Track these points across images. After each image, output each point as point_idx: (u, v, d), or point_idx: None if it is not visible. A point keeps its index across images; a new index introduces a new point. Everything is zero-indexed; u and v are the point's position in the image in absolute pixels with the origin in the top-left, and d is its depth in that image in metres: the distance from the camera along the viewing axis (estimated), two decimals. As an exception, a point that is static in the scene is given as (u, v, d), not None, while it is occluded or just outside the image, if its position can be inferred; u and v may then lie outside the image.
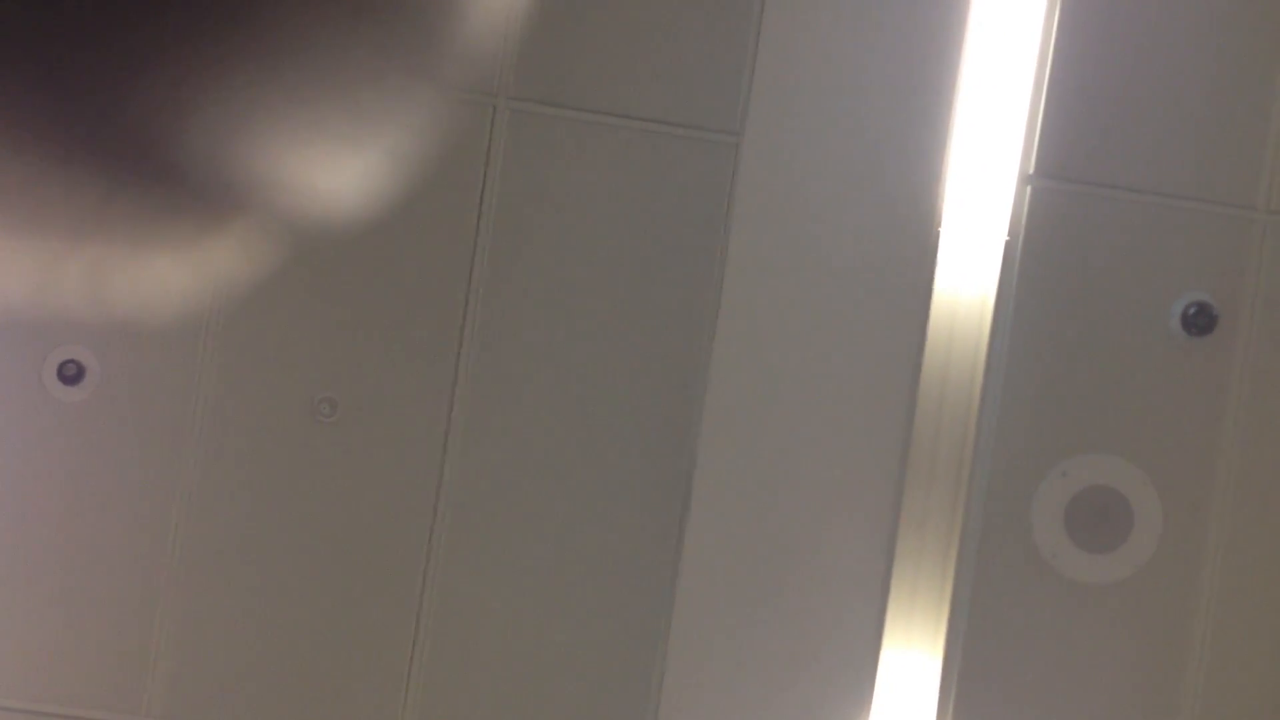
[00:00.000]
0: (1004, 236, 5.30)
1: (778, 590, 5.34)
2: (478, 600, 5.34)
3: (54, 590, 5.28)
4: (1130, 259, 5.30)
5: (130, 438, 5.25)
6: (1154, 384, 5.31)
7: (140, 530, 5.26)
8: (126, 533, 5.27)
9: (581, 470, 5.34)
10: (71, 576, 5.28)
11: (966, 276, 5.35)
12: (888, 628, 5.35)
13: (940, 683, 5.33)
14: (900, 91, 5.29)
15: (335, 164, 0.64)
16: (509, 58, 5.32)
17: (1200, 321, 5.28)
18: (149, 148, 0.59)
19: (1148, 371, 5.31)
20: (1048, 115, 5.28)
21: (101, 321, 5.18)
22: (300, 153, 0.62)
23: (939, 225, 5.29)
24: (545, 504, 5.34)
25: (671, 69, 5.36)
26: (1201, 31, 5.30)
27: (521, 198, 5.34)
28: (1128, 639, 5.32)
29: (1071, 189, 5.29)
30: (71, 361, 5.13)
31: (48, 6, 0.56)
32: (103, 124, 0.58)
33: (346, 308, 5.29)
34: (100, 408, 5.23)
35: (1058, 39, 5.29)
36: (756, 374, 5.33)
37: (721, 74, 5.36)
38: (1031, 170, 5.29)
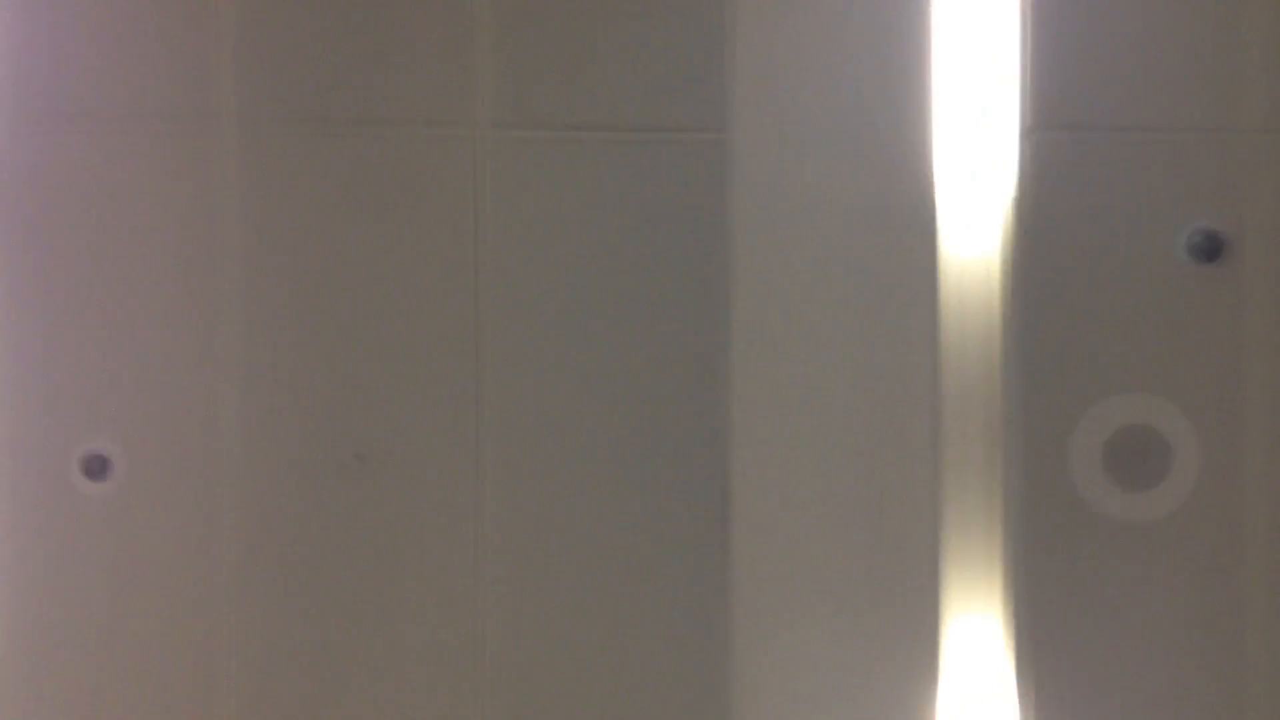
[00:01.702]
0: (1003, 191, 5.29)
1: (831, 576, 5.31)
2: (536, 630, 5.29)
3: (100, 688, 5.19)
4: (1131, 197, 5.30)
5: (163, 526, 5.17)
6: (1170, 316, 5.31)
7: (185, 621, 5.18)
8: (170, 626, 5.18)
9: (616, 488, 5.29)
10: (118, 675, 5.19)
11: (970, 237, 5.34)
12: (945, 596, 5.33)
13: (1006, 642, 5.31)
14: (883, 61, 5.27)
15: None
16: (481, 85, 5.26)
17: (1207, 248, 5.29)
18: None
19: (1162, 305, 5.31)
20: (1035, 65, 5.26)
21: (122, 411, 5.10)
22: None
23: (937, 190, 5.27)
24: (584, 528, 5.29)
25: (646, 73, 5.32)
26: (1166, -39, 5.31)
27: (516, 225, 5.28)
28: (1182, 572, 5.33)
29: (1065, 137, 5.28)
30: (96, 455, 5.04)
31: None
32: None
33: (360, 361, 5.22)
34: (129, 500, 5.14)
35: (1029, -11, 5.29)
36: (779, 366, 5.30)
37: (698, 70, 5.32)
38: (1027, 123, 5.27)
